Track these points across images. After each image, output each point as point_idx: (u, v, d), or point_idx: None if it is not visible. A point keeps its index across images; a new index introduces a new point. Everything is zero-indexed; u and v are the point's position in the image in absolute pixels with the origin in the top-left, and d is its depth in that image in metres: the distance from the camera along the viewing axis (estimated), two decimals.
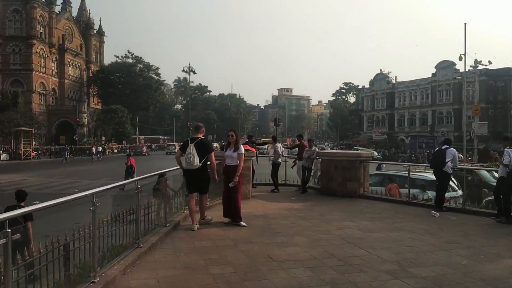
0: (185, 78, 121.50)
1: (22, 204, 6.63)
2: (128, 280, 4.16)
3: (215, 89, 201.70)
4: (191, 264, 4.74)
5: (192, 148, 6.38)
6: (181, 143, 7.10)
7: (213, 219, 7.16)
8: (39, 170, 28.12)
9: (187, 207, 7.56)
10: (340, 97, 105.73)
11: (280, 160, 11.56)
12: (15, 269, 3.17)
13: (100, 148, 48.03)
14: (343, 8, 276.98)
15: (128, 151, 42.06)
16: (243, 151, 7.07)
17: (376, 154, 39.10)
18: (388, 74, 74.02)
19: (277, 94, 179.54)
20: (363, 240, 6.04)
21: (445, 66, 57.73)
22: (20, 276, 3.39)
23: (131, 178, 15.55)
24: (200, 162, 6.40)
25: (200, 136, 6.72)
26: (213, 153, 6.70)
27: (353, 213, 8.26)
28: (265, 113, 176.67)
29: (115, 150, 57.32)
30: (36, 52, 57.51)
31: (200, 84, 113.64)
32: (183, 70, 53.02)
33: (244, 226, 6.80)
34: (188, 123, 60.35)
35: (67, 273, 4.05)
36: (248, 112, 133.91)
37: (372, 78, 75.96)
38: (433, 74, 60.56)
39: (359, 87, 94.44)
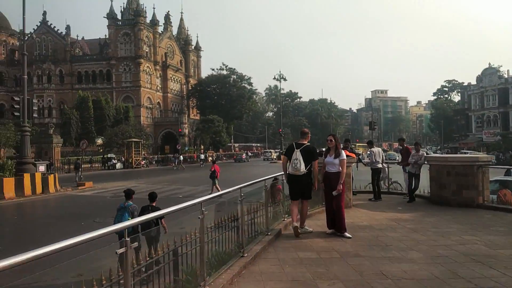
0: (275, 86, 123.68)
1: (154, 204, 7.08)
2: None
3: (305, 95, 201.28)
4: (298, 277, 4.51)
5: (298, 154, 6.38)
6: (285, 149, 7.10)
7: (313, 230, 6.88)
8: (148, 177, 30.65)
9: (287, 216, 7.41)
10: (442, 96, 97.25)
11: (379, 165, 10.76)
12: (132, 272, 3.29)
13: (202, 156, 51.04)
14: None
15: (214, 158, 43.79)
16: (345, 156, 6.69)
17: None
18: (499, 68, 66.08)
19: (370, 97, 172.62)
20: (493, 258, 5.20)
21: None
22: (135, 280, 3.52)
23: (214, 182, 18.04)
24: (306, 169, 6.36)
25: (306, 142, 6.66)
26: (317, 161, 6.52)
27: (474, 225, 7.26)
28: (358, 117, 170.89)
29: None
30: (143, 70, 63.58)
31: (290, 90, 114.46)
32: (274, 78, 53.70)
33: (349, 237, 6.38)
34: (280, 129, 61.00)
35: (176, 279, 4.14)
36: (340, 117, 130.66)
37: (480, 74, 68.43)
38: None
39: (464, 84, 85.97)
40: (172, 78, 72.75)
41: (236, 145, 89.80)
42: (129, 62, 63.20)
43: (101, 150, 48.74)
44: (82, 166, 33.29)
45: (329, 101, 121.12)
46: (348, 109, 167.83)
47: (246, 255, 4.98)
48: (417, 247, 5.77)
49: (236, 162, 54.77)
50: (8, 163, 19.21)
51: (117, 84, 63.58)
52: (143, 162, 46.46)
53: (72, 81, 64.82)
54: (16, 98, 19.09)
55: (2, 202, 16.97)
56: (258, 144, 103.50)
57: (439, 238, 6.32)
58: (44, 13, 66.68)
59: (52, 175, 20.53)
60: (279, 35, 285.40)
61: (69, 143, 48.21)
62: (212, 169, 18.70)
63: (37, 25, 66.85)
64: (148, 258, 3.52)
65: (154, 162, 51.05)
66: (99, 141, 51.48)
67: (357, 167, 11.76)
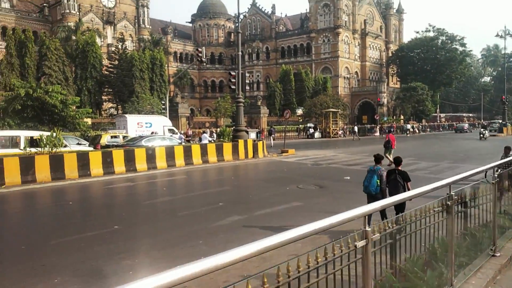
0: (496, 45, 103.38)
1: (400, 168, 7.47)
2: None
3: None
4: None
5: None
6: None
7: None
8: (346, 147, 30.34)
9: None
10: None
11: None
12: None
13: (408, 126, 49.18)
14: None
15: (391, 128, 41.97)
16: None
17: None
18: None
19: None
20: None
21: None
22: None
23: (389, 152, 17.89)
24: None
25: None
26: None
27: None
28: None
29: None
30: (342, 40, 62.91)
31: None
32: (497, 35, 44.14)
33: None
34: (503, 96, 50.53)
35: (395, 265, 3.34)
36: None
37: None
38: None
39: None
40: (371, 46, 69.59)
41: (443, 115, 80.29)
42: (327, 33, 63.54)
43: (301, 120, 51.23)
44: (286, 134, 36.09)
45: None
46: None
47: (498, 254, 3.73)
48: None
49: (456, 132, 52.51)
50: (226, 130, 22.01)
51: (316, 56, 65.12)
52: (340, 132, 46.55)
53: (276, 56, 69.86)
54: (232, 73, 21.47)
55: (222, 164, 19.58)
56: (470, 115, 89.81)
57: None
58: None
59: (261, 142, 22.51)
60: None
61: (274, 113, 52.58)
62: (387, 139, 19.16)
63: (248, 8, 74.24)
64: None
65: (349, 133, 50.31)
66: (299, 111, 54.21)
67: None
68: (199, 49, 26.80)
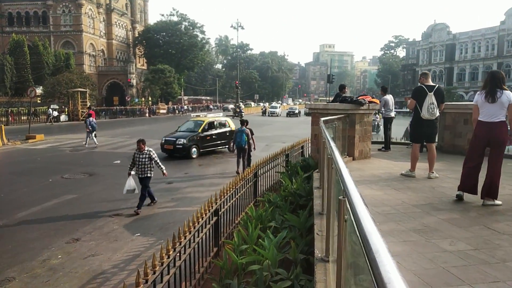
0: (226, 36, 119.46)
1: (247, 126, 12.07)
2: None
3: (257, 48, 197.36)
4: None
5: (433, 98, 6.20)
6: (414, 91, 6.56)
7: None
8: (102, 130, 28.30)
9: None
10: (388, 52, 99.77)
11: (392, 114, 10.28)
12: None
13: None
14: None
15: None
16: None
17: None
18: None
19: (318, 51, 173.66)
20: None
21: None
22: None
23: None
24: (438, 113, 6.30)
25: (431, 83, 6.47)
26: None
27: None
28: (305, 71, 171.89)
29: (162, 111, 56.65)
30: (85, 13, 57.33)
31: (242, 42, 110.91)
32: (232, 26, 50.76)
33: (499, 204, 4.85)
34: (236, 82, 58.99)
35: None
36: (289, 70, 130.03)
37: (425, 30, 70.74)
38: (502, 22, 54.98)
39: (410, 40, 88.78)
40: (117, 24, 66.84)
41: (186, 98, 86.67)
42: (68, 3, 56.49)
43: (39, 101, 44.26)
44: (23, 118, 30.52)
45: (282, 55, 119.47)
46: (297, 63, 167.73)
47: None
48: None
49: (224, 111, 61.62)
50: None
51: (55, 28, 57.03)
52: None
53: (2, 23, 57.11)
54: None
55: None
56: (208, 98, 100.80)
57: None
58: None
59: None
60: None
61: (3, 92, 43.31)
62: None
63: None
64: None
65: (103, 114, 47.41)
66: (38, 91, 46.66)
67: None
68: None
